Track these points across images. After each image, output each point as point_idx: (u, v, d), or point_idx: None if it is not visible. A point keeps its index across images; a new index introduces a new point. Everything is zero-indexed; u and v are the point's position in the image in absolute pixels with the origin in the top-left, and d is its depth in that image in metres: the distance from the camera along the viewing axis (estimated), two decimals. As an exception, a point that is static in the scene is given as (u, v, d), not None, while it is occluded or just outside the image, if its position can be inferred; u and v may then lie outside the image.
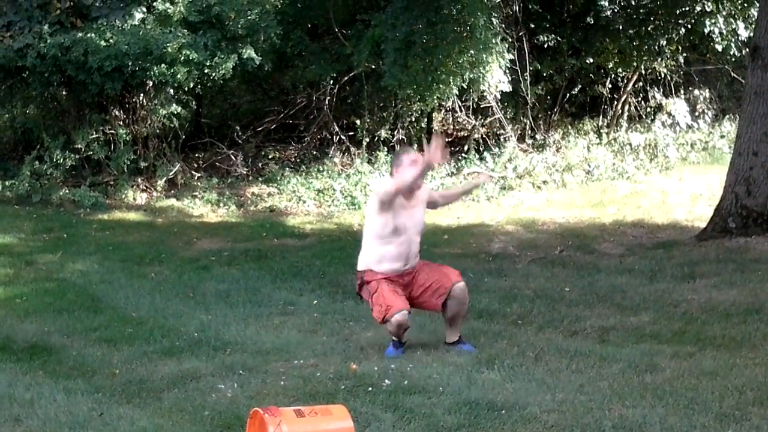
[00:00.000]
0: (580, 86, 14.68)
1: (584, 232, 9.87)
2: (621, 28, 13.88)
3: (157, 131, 13.12)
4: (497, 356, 5.30)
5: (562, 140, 14.14)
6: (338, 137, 13.68)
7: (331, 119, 13.78)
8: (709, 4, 13.52)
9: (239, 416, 4.32)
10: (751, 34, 10.62)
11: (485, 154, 13.58)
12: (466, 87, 12.72)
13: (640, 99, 14.99)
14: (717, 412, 4.27)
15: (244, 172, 13.49)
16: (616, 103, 14.71)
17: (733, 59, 14.33)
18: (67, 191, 12.15)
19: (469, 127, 14.28)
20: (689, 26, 13.88)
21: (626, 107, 14.78)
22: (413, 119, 13.85)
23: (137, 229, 10.71)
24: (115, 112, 12.94)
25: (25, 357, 5.73)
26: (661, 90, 14.98)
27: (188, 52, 11.51)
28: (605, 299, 6.85)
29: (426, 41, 12.09)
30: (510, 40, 13.29)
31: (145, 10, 12.29)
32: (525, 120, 14.16)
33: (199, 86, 12.53)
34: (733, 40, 13.85)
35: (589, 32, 14.15)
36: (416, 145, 13.71)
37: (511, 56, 13.05)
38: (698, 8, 13.65)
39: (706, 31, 13.68)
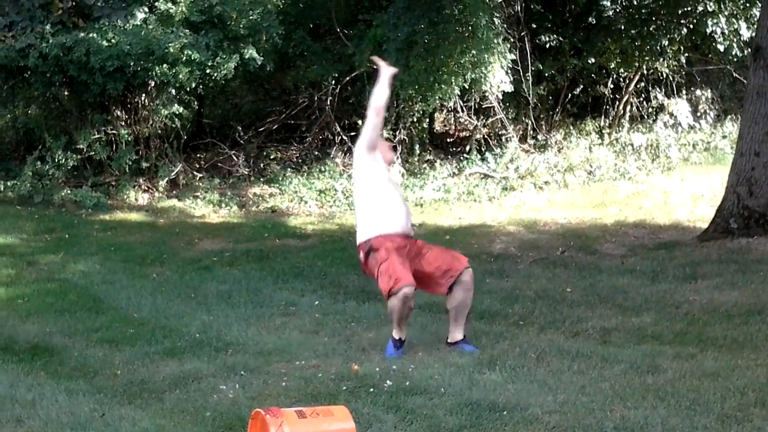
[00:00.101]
0: (581, 86, 14.68)
1: (586, 233, 9.87)
2: (623, 28, 13.88)
3: (159, 131, 13.13)
4: (499, 357, 5.30)
5: (563, 140, 14.14)
6: (340, 137, 13.68)
7: (332, 119, 13.78)
8: (711, 4, 13.51)
9: (241, 417, 4.32)
10: (753, 34, 10.62)
11: (487, 154, 13.58)
12: (467, 87, 12.72)
13: (641, 99, 14.99)
14: (719, 414, 4.26)
15: (246, 173, 13.49)
16: (617, 103, 14.71)
17: (735, 59, 14.32)
18: (68, 191, 12.16)
19: (471, 128, 14.28)
20: (691, 26, 13.88)
21: (628, 107, 14.78)
22: (415, 119, 13.85)
23: (139, 229, 10.72)
24: (117, 112, 12.94)
25: (27, 358, 5.73)
26: (663, 90, 14.98)
27: (190, 52, 11.51)
28: (607, 300, 6.84)
29: (428, 41, 12.10)
30: (512, 40, 13.28)
31: (147, 10, 12.29)
32: (527, 120, 14.16)
33: (200, 86, 12.54)
34: (735, 40, 13.84)
35: (591, 32, 14.15)
36: (417, 146, 13.75)
37: (513, 56, 13.05)
38: (700, 8, 13.64)
39: (708, 31, 13.67)
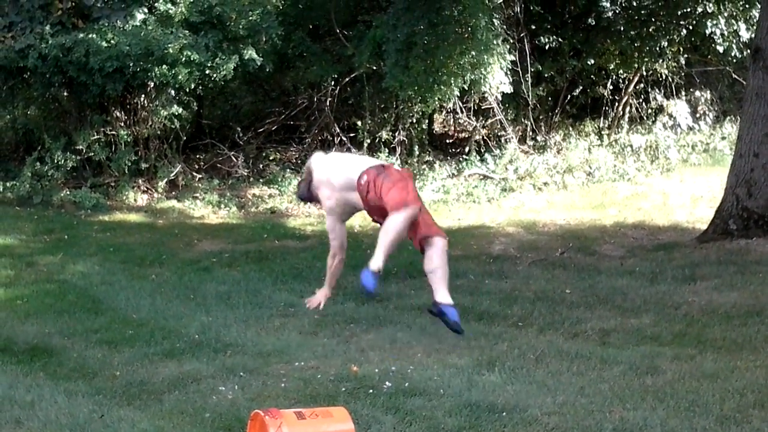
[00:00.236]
0: (581, 87, 14.69)
1: (585, 234, 9.87)
2: (622, 29, 13.87)
3: (158, 132, 13.13)
4: (498, 358, 5.30)
5: (563, 142, 14.14)
6: (339, 138, 13.67)
7: (332, 120, 13.78)
8: (711, 5, 13.52)
9: (240, 418, 4.32)
10: (753, 36, 10.62)
11: (486, 155, 13.58)
12: (467, 88, 12.72)
13: (641, 100, 14.99)
14: (718, 415, 4.27)
15: (245, 174, 13.49)
16: (617, 104, 14.71)
17: (735, 61, 14.32)
18: (68, 192, 12.16)
19: (470, 129, 14.28)
20: (690, 27, 13.88)
21: (627, 109, 14.78)
22: (414, 120, 13.85)
23: (138, 230, 10.72)
24: (116, 113, 12.94)
25: (26, 359, 5.72)
26: (662, 91, 14.98)
27: (189, 53, 11.51)
28: (606, 301, 6.84)
29: (427, 42, 12.10)
30: (511, 41, 13.29)
31: (146, 10, 12.30)
32: (526, 121, 14.16)
33: (200, 87, 12.53)
34: (734, 41, 13.84)
35: (591, 33, 14.15)
36: (416, 147, 13.75)
37: (513, 57, 13.05)
38: (699, 9, 13.65)
39: (708, 32, 13.67)
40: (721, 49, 13.93)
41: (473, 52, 12.14)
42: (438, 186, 12.71)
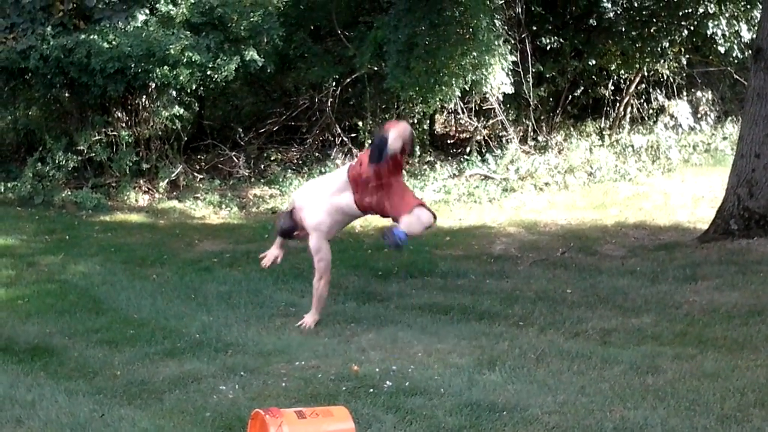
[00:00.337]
0: (582, 88, 14.69)
1: (586, 234, 9.87)
2: (623, 29, 13.87)
3: (160, 133, 13.14)
4: (499, 358, 5.30)
5: (564, 142, 14.14)
6: (340, 139, 13.68)
7: (333, 121, 13.79)
8: (712, 5, 13.52)
9: (240, 417, 4.32)
10: (754, 36, 10.62)
11: (487, 155, 13.58)
12: (468, 89, 12.72)
13: (642, 101, 14.99)
14: (718, 414, 4.27)
15: (246, 174, 13.50)
16: (618, 104, 14.71)
17: (736, 61, 14.32)
18: (69, 193, 12.17)
19: (472, 129, 14.29)
20: (692, 28, 13.88)
21: (628, 109, 14.78)
22: (415, 121, 13.85)
23: (139, 230, 10.72)
24: (118, 113, 12.95)
25: (27, 358, 5.73)
26: (664, 92, 14.98)
27: (191, 54, 11.52)
28: (607, 301, 6.84)
29: (428, 43, 12.10)
30: (512, 41, 13.29)
31: (147, 11, 12.31)
32: (527, 122, 14.17)
33: (201, 88, 12.54)
34: (735, 41, 13.84)
35: (592, 34, 14.15)
36: (418, 147, 13.75)
37: (514, 58, 13.06)
38: (701, 10, 13.65)
39: (709, 32, 13.67)
40: (722, 49, 13.93)
41: (474, 53, 12.14)
42: (439, 186, 12.71)
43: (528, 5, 13.95)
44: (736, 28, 13.71)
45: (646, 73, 14.53)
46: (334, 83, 13.70)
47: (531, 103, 13.90)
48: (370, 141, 6.50)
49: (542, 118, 14.38)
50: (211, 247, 9.73)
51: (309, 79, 13.67)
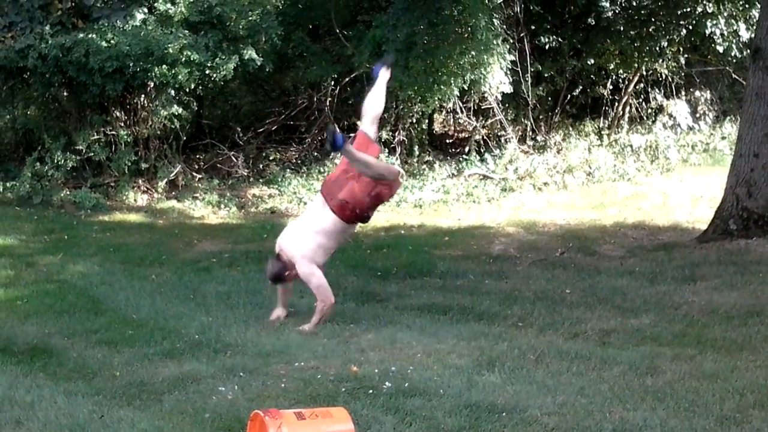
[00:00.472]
0: (581, 87, 14.69)
1: (585, 234, 9.87)
2: (622, 29, 13.88)
3: (158, 132, 13.13)
4: (498, 358, 5.30)
5: (562, 141, 14.15)
6: (339, 138, 13.65)
7: (332, 120, 13.78)
8: (711, 5, 13.53)
9: (240, 418, 4.32)
10: (753, 36, 10.62)
11: (486, 155, 13.59)
12: (467, 88, 12.73)
13: (641, 100, 15.00)
14: (718, 415, 4.27)
15: (245, 174, 13.50)
16: (617, 104, 14.72)
17: (734, 60, 14.33)
18: (68, 192, 12.16)
19: (470, 129, 14.28)
20: (690, 27, 13.89)
21: (627, 108, 14.79)
22: (414, 120, 13.85)
23: (138, 230, 10.72)
24: (116, 113, 12.94)
25: (26, 359, 5.72)
26: (662, 91, 14.99)
27: (189, 53, 11.52)
28: (606, 301, 6.84)
29: (427, 42, 12.10)
30: (511, 41, 13.30)
31: (146, 10, 12.30)
32: (526, 121, 14.17)
33: (200, 87, 12.54)
34: (734, 41, 13.85)
35: (591, 33, 14.15)
36: (416, 147, 13.75)
37: (512, 57, 13.06)
38: (699, 9, 13.65)
39: (708, 32, 13.68)
40: (720, 49, 13.94)
41: (473, 52, 12.15)
42: (438, 186, 12.72)
43: (527, 4, 13.95)
44: (735, 28, 13.73)
45: (644, 73, 14.54)
46: (332, 82, 13.70)
47: (530, 103, 13.90)
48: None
49: (541, 117, 14.38)
50: (210, 247, 9.72)
51: (308, 79, 13.66)
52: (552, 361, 5.24)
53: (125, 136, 12.61)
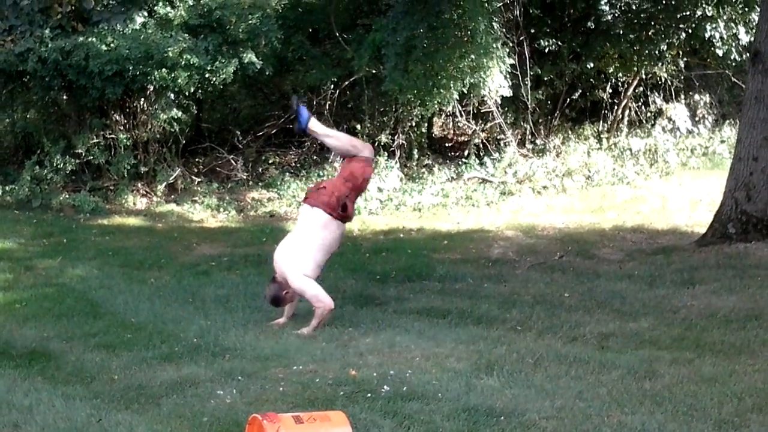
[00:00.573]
0: (580, 91, 14.70)
1: (584, 238, 9.87)
2: (621, 32, 13.89)
3: (158, 136, 13.14)
4: (496, 362, 5.29)
5: (562, 145, 14.15)
6: (339, 142, 13.65)
7: (331, 124, 13.75)
8: (710, 8, 13.53)
9: (238, 422, 4.31)
10: (752, 39, 10.63)
11: (485, 158, 13.59)
12: (466, 92, 12.73)
13: (640, 104, 15.01)
14: (716, 419, 4.26)
15: (245, 177, 13.50)
16: (616, 108, 14.72)
17: (734, 64, 14.34)
18: (67, 196, 12.17)
19: (470, 132, 14.29)
20: (690, 31, 13.89)
21: (626, 112, 14.79)
22: (414, 124, 13.86)
23: (137, 234, 10.72)
24: (116, 116, 12.95)
25: (24, 362, 5.72)
26: (662, 95, 14.99)
27: (189, 57, 11.53)
28: (605, 305, 6.84)
29: (427, 46, 12.11)
30: (511, 44, 13.31)
31: (146, 14, 12.32)
32: (525, 125, 14.18)
33: (199, 91, 12.55)
34: (733, 44, 13.85)
35: (590, 37, 14.16)
36: (416, 151, 13.75)
37: (512, 61, 13.07)
38: (699, 13, 13.66)
39: (707, 35, 13.68)
40: (720, 52, 13.94)
41: (473, 56, 12.16)
42: (437, 190, 12.72)
43: (526, 8, 13.96)
44: (734, 31, 13.73)
45: (644, 76, 14.55)
46: (332, 86, 13.71)
47: (529, 106, 13.91)
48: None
49: (540, 121, 14.39)
50: (209, 251, 9.73)
51: (307, 82, 13.68)
52: (550, 365, 5.24)
53: (125, 140, 12.62)
